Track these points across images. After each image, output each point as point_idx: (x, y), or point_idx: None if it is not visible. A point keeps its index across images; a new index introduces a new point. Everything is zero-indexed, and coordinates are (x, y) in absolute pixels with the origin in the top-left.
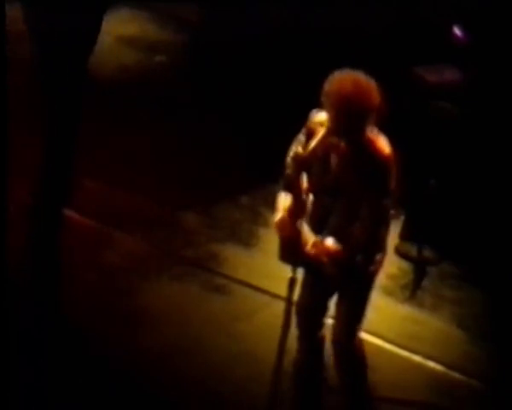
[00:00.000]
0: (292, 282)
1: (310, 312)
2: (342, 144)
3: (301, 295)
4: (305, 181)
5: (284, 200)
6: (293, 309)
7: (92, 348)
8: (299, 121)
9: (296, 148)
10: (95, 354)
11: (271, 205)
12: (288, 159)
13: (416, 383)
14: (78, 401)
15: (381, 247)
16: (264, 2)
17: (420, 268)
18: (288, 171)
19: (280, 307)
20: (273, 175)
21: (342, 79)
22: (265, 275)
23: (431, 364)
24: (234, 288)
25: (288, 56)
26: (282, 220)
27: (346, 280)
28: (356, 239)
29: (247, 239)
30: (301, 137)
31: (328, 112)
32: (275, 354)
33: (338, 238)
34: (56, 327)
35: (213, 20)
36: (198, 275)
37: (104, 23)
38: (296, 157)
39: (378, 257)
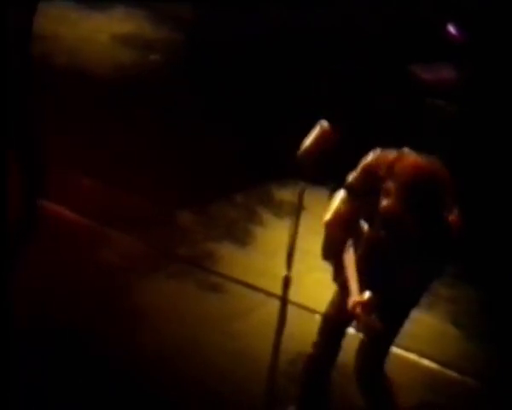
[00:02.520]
0: (287, 281)
1: (337, 323)
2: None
3: (333, 305)
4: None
5: (340, 199)
6: (322, 316)
7: (89, 346)
8: (295, 120)
9: (374, 161)
10: (92, 352)
11: (267, 204)
12: (361, 164)
13: (410, 380)
14: (75, 399)
15: None
16: (261, 1)
17: None
18: (356, 176)
19: (275, 305)
20: (269, 174)
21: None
22: (261, 274)
23: (426, 361)
24: (229, 286)
25: (284, 55)
26: (332, 220)
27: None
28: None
29: (242, 238)
30: (386, 158)
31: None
32: (270, 353)
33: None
34: (53, 326)
35: (208, 19)
36: (194, 274)
37: (99, 21)
38: (372, 168)
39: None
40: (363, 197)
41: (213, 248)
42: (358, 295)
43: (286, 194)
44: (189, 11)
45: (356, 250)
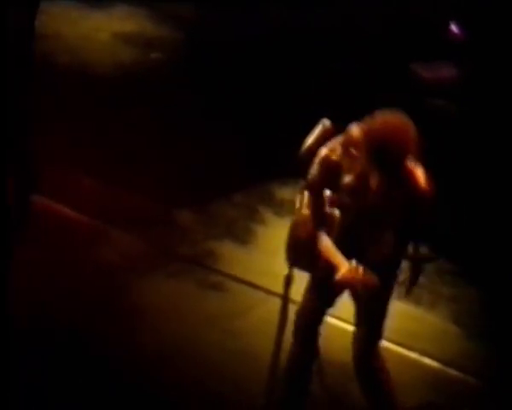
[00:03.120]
0: (288, 279)
1: (312, 316)
2: (380, 177)
3: (306, 299)
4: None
5: (305, 201)
6: (296, 311)
7: (88, 345)
8: (295, 119)
9: (327, 152)
10: (91, 350)
11: (268, 203)
12: (318, 161)
13: (412, 379)
14: (75, 399)
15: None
16: (262, 0)
17: (416, 265)
18: (314, 173)
19: (276, 303)
20: (269, 173)
21: (379, 124)
22: (261, 272)
23: (427, 360)
24: (230, 285)
25: (285, 54)
26: (301, 222)
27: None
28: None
29: (243, 236)
30: (337, 145)
31: (364, 153)
32: (271, 351)
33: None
34: (52, 325)
35: (209, 18)
36: (194, 272)
37: (100, 20)
38: (325, 162)
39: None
40: (326, 189)
41: (214, 247)
42: (348, 264)
43: (287, 193)
44: (190, 10)
45: (330, 237)
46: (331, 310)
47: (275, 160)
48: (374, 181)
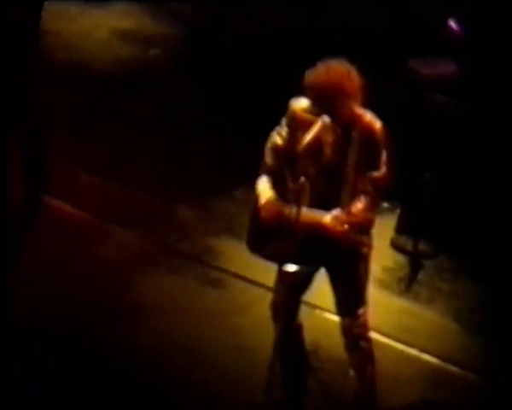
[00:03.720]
0: (287, 275)
1: (287, 306)
2: (331, 134)
3: (277, 291)
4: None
5: (266, 185)
6: (269, 304)
7: (88, 341)
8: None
9: (275, 138)
10: (90, 347)
11: None
12: (267, 147)
13: (411, 375)
14: (75, 396)
15: (369, 229)
16: None
17: (416, 261)
18: (268, 159)
19: None
20: None
21: (316, 69)
22: (261, 268)
23: (426, 357)
24: (230, 281)
25: (285, 50)
26: (269, 203)
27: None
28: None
29: (242, 233)
30: (283, 127)
31: (311, 101)
32: (270, 347)
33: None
34: (52, 321)
35: (208, 14)
36: (194, 269)
37: (99, 16)
38: (276, 148)
39: (367, 240)
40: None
41: (214, 244)
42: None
43: None
44: (189, 6)
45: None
46: (308, 297)
47: None
48: (327, 136)
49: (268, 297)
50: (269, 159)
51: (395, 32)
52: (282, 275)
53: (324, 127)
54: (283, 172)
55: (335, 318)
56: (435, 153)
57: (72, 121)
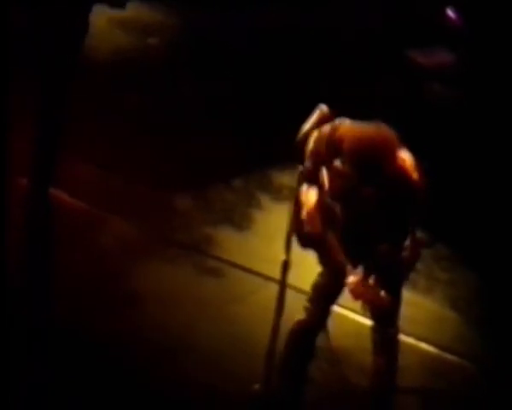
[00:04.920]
0: (285, 265)
1: (327, 291)
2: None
3: (322, 275)
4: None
5: (308, 194)
6: (312, 283)
7: (84, 331)
8: (293, 104)
9: (316, 144)
10: (86, 337)
11: (266, 188)
12: (308, 150)
13: (408, 364)
14: (68, 383)
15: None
16: None
17: (413, 250)
18: (307, 164)
19: (273, 289)
20: (267, 158)
21: (359, 138)
22: (259, 258)
23: (424, 345)
24: (228, 271)
25: (284, 41)
26: (310, 216)
27: None
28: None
29: (240, 222)
30: (323, 135)
31: (345, 164)
32: (268, 337)
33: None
34: (48, 311)
35: (206, 3)
36: (192, 258)
37: (97, 5)
38: (315, 153)
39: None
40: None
41: (211, 233)
42: (353, 274)
43: (285, 178)
44: None
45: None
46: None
47: (273, 145)
48: (365, 190)
49: (265, 287)
50: (309, 163)
51: (393, 23)
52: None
53: (322, 116)
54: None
55: (335, 308)
56: (433, 142)
57: (70, 111)
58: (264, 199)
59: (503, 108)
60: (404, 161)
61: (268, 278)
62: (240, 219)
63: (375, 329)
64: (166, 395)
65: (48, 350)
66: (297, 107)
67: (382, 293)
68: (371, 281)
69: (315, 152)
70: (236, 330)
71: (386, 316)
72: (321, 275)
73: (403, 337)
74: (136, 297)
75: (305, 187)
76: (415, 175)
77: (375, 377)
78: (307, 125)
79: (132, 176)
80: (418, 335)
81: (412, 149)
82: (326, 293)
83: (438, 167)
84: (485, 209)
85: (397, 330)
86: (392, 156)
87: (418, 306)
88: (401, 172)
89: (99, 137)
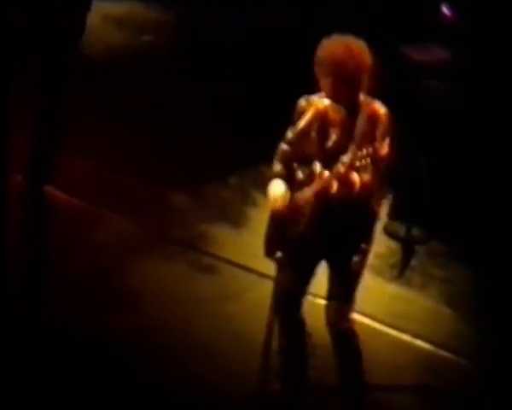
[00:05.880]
0: (280, 262)
1: (293, 293)
2: (339, 116)
3: (286, 277)
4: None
5: (275, 184)
6: (275, 290)
7: (80, 329)
8: (290, 100)
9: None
10: (82, 334)
11: (261, 185)
12: (276, 154)
13: (404, 361)
14: (68, 383)
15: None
16: None
17: (408, 247)
18: (276, 166)
19: (268, 286)
20: (262, 155)
21: (333, 45)
22: (254, 255)
23: (419, 342)
24: (223, 268)
25: (279, 39)
26: (279, 196)
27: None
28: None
29: (236, 219)
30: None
31: (323, 79)
32: (263, 334)
33: None
34: (47, 311)
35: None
36: (187, 255)
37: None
38: (285, 152)
39: (369, 237)
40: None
41: (207, 230)
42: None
43: None
44: None
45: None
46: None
47: (269, 142)
48: (334, 123)
49: (261, 284)
50: (277, 165)
51: (388, 19)
52: (291, 264)
53: (317, 113)
54: (292, 172)
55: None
56: (429, 139)
57: (67, 110)
58: (260, 196)
59: (498, 104)
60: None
61: (263, 275)
62: (235, 217)
63: (330, 324)
64: (163, 392)
65: (47, 350)
66: (292, 103)
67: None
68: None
69: (284, 150)
70: (231, 326)
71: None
72: (285, 276)
73: (398, 335)
74: (132, 295)
75: (273, 181)
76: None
77: (340, 372)
78: (302, 123)
79: (129, 174)
80: (413, 332)
81: (408, 146)
82: (294, 292)
83: (433, 164)
84: (480, 206)
85: (352, 324)
86: (368, 71)
87: (413, 302)
88: (370, 101)
89: (94, 133)
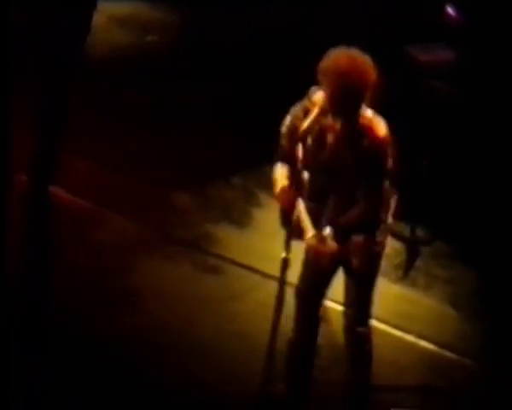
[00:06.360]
0: (285, 262)
1: (311, 293)
2: (338, 125)
3: (303, 276)
4: (300, 154)
5: (281, 171)
6: (295, 290)
7: (83, 328)
8: (292, 101)
9: (292, 120)
10: (85, 333)
11: (264, 185)
12: (283, 129)
13: (408, 362)
14: (68, 383)
15: (381, 227)
16: None
17: (412, 248)
18: (283, 142)
19: (273, 286)
20: (266, 155)
21: (338, 57)
22: (258, 255)
23: (423, 343)
24: (227, 268)
25: (282, 39)
26: (282, 191)
27: (350, 262)
28: (352, 222)
29: (239, 219)
30: (298, 111)
31: (325, 90)
32: (267, 334)
33: (336, 220)
34: (48, 311)
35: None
36: (191, 255)
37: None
38: (291, 130)
39: (380, 238)
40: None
41: (210, 230)
42: (313, 231)
43: None
44: None
45: (303, 198)
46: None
47: (272, 142)
48: (332, 130)
49: (265, 284)
50: (285, 142)
51: (393, 19)
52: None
53: (324, 114)
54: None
55: (332, 304)
56: (433, 139)
57: (69, 109)
58: (264, 196)
59: (501, 104)
60: (374, 115)
61: (267, 276)
62: (239, 217)
63: (346, 328)
64: (164, 392)
65: (47, 350)
66: (291, 103)
67: (330, 242)
68: (326, 234)
69: (291, 128)
70: (235, 326)
71: (355, 309)
72: (303, 275)
73: (402, 335)
74: (134, 295)
75: (278, 166)
76: (382, 132)
77: (349, 375)
78: (307, 122)
79: (132, 174)
80: (417, 332)
81: (411, 146)
82: (312, 293)
83: (437, 164)
84: (484, 206)
85: (369, 330)
86: (371, 89)
87: (417, 303)
88: (371, 123)
89: (96, 133)
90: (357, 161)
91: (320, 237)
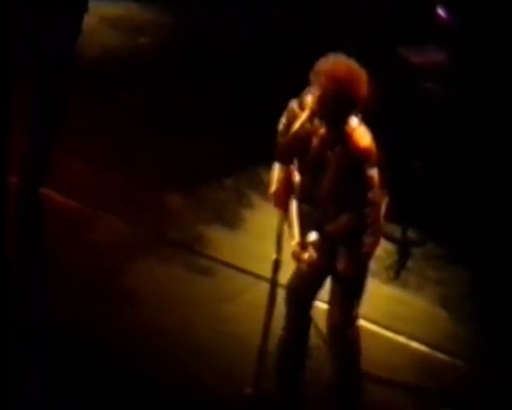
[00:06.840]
0: (276, 263)
1: (302, 293)
2: (322, 129)
3: (294, 276)
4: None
5: (277, 171)
6: (285, 288)
7: (79, 329)
8: (287, 103)
9: (288, 118)
10: (81, 334)
11: (256, 187)
12: (280, 127)
13: (399, 363)
14: (67, 383)
15: (368, 230)
16: None
17: (404, 249)
18: (280, 140)
19: (264, 288)
20: (258, 157)
21: (336, 62)
22: (250, 256)
23: (415, 344)
24: (219, 269)
25: (275, 40)
26: (276, 193)
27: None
28: (339, 231)
29: (232, 221)
30: (295, 107)
31: (316, 91)
32: (259, 335)
33: (324, 224)
34: (47, 311)
35: (198, 2)
36: (183, 256)
37: (88, 4)
38: (287, 127)
39: (368, 240)
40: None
41: (203, 231)
42: (299, 238)
43: None
44: None
45: (296, 199)
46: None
47: (264, 145)
48: (317, 133)
49: (257, 285)
50: (280, 140)
51: (385, 20)
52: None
53: (312, 115)
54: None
55: (321, 305)
56: (425, 141)
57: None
58: (255, 198)
59: (495, 105)
60: (360, 125)
61: (259, 277)
62: (231, 218)
63: (331, 329)
64: (160, 393)
65: (47, 350)
66: (287, 103)
67: (311, 251)
68: (310, 241)
69: (287, 125)
70: (227, 328)
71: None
72: (294, 274)
73: (393, 336)
74: (129, 296)
75: (276, 166)
76: (366, 143)
77: (336, 376)
78: (297, 124)
79: (125, 175)
80: (409, 333)
81: (404, 148)
82: (303, 292)
83: (430, 166)
84: (476, 207)
85: (355, 330)
86: (363, 98)
87: (409, 304)
88: (355, 133)
89: (90, 135)
90: (337, 166)
91: (302, 245)
